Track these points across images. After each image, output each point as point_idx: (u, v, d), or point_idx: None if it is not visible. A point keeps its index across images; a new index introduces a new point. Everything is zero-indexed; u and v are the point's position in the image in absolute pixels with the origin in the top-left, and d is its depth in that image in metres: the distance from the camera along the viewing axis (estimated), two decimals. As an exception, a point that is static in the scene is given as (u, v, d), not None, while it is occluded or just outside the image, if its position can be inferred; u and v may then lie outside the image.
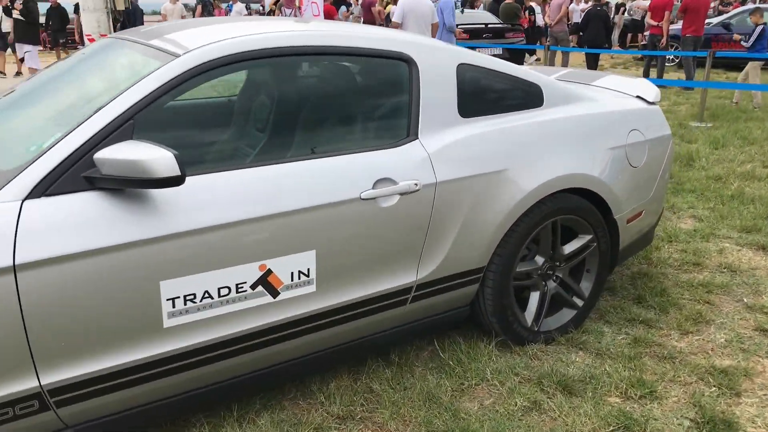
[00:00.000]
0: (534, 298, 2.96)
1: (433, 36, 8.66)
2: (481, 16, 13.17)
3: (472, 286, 2.73)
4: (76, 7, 14.15)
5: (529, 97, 2.89)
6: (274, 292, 2.23)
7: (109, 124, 1.97)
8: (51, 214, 1.84)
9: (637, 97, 3.37)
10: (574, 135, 2.90)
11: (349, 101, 2.53)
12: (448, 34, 9.05)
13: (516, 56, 12.24)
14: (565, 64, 13.34)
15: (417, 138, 2.53)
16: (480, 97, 2.74)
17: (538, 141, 2.78)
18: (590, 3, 12.91)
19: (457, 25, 11.99)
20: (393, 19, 8.36)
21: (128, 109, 2.01)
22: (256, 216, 2.13)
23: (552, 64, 13.50)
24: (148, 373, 2.06)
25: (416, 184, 2.44)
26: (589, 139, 2.94)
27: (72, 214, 1.87)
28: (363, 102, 2.56)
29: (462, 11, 13.33)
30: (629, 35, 20.47)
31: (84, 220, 1.87)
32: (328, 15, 12.65)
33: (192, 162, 2.19)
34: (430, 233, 2.53)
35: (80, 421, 2.02)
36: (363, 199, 2.33)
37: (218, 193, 2.09)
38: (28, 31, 12.06)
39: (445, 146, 2.56)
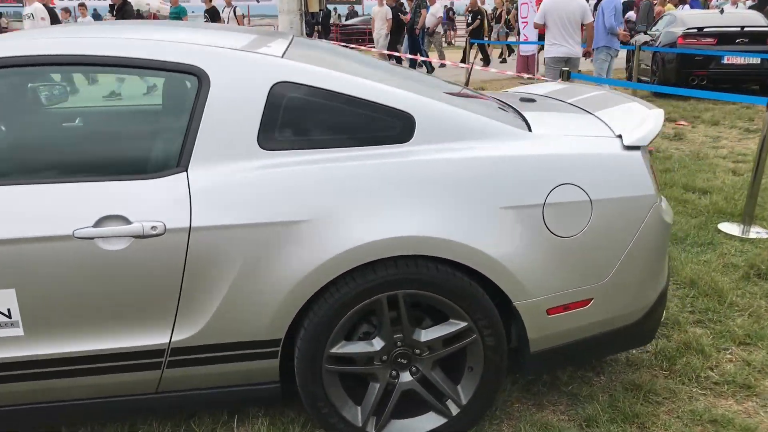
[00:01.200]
0: (372, 390, 2.25)
1: (589, 38, 7.77)
2: (744, 16, 10.93)
3: (267, 360, 2.17)
4: (111, 8, 13.67)
5: (388, 129, 2.18)
6: (-33, 329, 2.00)
7: None
8: None
9: (618, 136, 2.35)
10: (438, 185, 2.12)
11: (106, 120, 2.16)
12: (608, 37, 7.83)
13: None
14: None
15: (185, 170, 2.06)
16: (301, 125, 2.14)
17: (371, 188, 2.09)
18: None
19: (702, 29, 10.20)
20: (535, 20, 7.69)
21: None
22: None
23: None
24: None
25: (154, 228, 1.99)
26: (464, 192, 2.12)
27: None
28: (127, 122, 2.17)
29: (722, 11, 11.23)
30: None
31: None
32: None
33: None
34: (187, 289, 2.05)
35: None
36: (78, 238, 1.97)
37: None
38: None
39: (218, 184, 2.04)
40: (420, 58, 12.57)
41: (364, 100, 2.18)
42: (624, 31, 8.31)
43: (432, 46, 14.76)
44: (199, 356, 2.12)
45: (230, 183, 2.05)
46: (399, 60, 14.06)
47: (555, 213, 2.17)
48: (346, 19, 26.67)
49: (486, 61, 15.88)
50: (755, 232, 4.36)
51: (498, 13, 17.60)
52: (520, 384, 2.67)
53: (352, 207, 2.07)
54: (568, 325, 2.29)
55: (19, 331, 2.02)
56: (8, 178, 2.02)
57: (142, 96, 2.47)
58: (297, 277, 2.05)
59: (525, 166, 2.18)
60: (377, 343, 2.20)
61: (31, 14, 10.77)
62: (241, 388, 2.23)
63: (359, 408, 2.26)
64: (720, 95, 4.83)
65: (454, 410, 2.28)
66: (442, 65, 13.81)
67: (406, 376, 2.26)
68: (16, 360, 2.04)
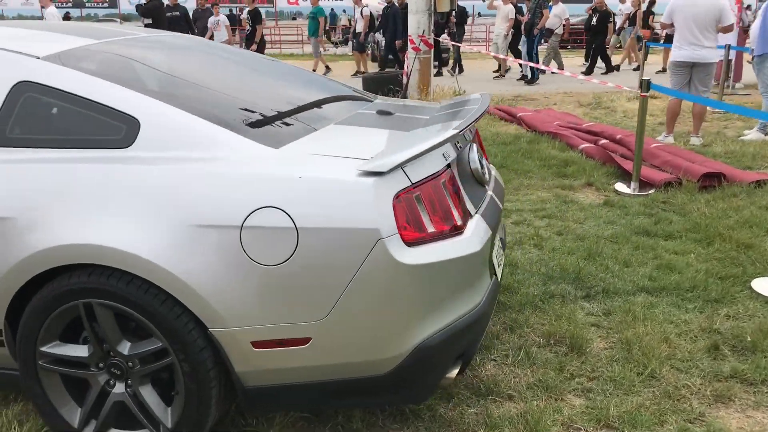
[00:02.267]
0: (89, 395, 2.23)
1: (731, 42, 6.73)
2: None
3: (-9, 348, 2.26)
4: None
5: (113, 132, 2.14)
6: None
7: None
8: None
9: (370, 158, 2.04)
10: (135, 195, 2.02)
11: None
12: (765, 42, 6.51)
13: None
14: None
15: None
16: (32, 124, 2.19)
17: (72, 192, 2.07)
18: None
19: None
20: (662, 20, 6.70)
21: None
22: None
23: None
24: None
25: None
26: (158, 204, 2.00)
27: None
28: None
29: None
30: None
31: None
32: None
33: None
34: None
35: None
36: None
37: None
38: None
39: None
40: (530, 64, 11.62)
41: (96, 102, 2.16)
42: None
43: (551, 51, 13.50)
44: (-61, 334, 2.28)
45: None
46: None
47: (254, 237, 1.96)
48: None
49: (589, 70, 13.90)
50: (801, 294, 3.42)
51: (632, 13, 15.23)
52: (292, 417, 2.45)
53: (52, 209, 2.07)
54: (287, 364, 2.06)
55: None
56: None
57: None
58: (1, 272, 2.11)
59: (228, 183, 2.00)
60: (86, 349, 2.18)
61: None
62: (-11, 369, 2.35)
63: (80, 410, 2.26)
64: None
65: (161, 433, 2.18)
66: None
67: (120, 387, 2.21)
68: None
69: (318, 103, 2.68)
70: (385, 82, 9.15)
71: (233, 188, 1.99)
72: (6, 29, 2.59)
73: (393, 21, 12.50)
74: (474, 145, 2.62)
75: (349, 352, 2.05)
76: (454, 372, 2.24)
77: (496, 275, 2.51)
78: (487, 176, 2.66)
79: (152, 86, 2.31)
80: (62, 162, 2.12)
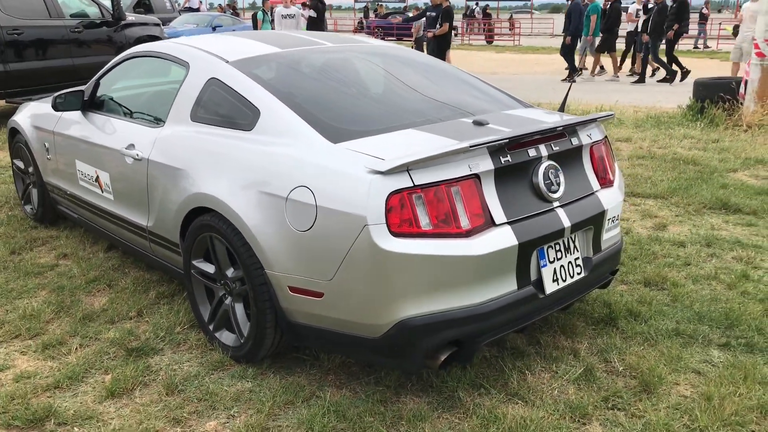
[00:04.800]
0: (214, 301, 3.13)
1: None
2: None
3: (177, 256, 3.32)
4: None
5: (243, 118, 2.96)
6: (101, 189, 3.85)
7: None
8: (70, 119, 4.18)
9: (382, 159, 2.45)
10: (239, 164, 2.82)
11: (156, 88, 3.59)
12: None
13: None
14: None
15: (164, 124, 3.37)
16: (209, 107, 3.15)
17: (210, 156, 2.97)
18: None
19: None
20: None
21: None
22: (94, 142, 3.81)
23: None
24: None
25: (138, 155, 3.39)
26: (251, 173, 2.77)
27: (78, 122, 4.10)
28: (162, 90, 3.54)
29: None
30: None
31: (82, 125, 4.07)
32: None
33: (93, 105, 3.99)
34: (150, 195, 3.39)
35: None
36: (120, 153, 3.55)
37: (97, 124, 3.87)
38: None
39: (167, 135, 3.29)
40: None
41: (242, 96, 3.01)
42: None
43: None
44: (158, 241, 3.45)
45: (169, 136, 3.28)
46: None
47: (293, 208, 2.59)
48: None
49: None
50: None
51: None
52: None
53: (200, 167, 3.01)
54: (311, 310, 2.65)
55: (111, 197, 3.77)
56: (119, 115, 3.77)
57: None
58: (176, 204, 3.15)
59: (288, 164, 2.66)
60: (213, 268, 3.08)
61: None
62: (178, 269, 3.44)
63: (209, 310, 3.19)
64: None
65: (242, 340, 2.96)
66: None
67: (228, 300, 3.06)
68: (107, 210, 3.80)
69: (428, 110, 3.09)
70: (718, 89, 8.34)
71: (289, 168, 2.64)
72: (239, 38, 3.64)
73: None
74: (548, 162, 2.72)
75: (351, 312, 2.53)
76: (443, 356, 2.52)
77: (537, 287, 2.64)
78: (558, 194, 2.73)
79: (286, 87, 3.05)
80: (212, 135, 3.04)
